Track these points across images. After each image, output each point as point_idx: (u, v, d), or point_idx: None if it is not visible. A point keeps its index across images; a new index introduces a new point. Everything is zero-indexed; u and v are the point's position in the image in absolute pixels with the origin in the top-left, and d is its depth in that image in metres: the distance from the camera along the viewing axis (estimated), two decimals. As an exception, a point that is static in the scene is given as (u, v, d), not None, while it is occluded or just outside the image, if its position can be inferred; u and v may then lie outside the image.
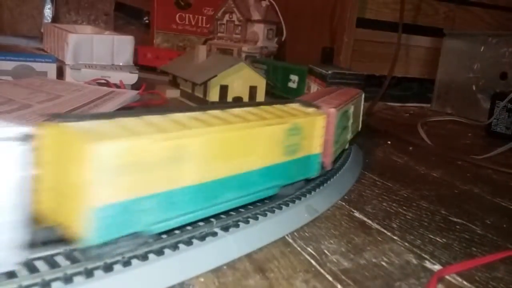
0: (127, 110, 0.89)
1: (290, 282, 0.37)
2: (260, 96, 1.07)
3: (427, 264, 0.42)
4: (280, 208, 0.47)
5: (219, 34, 1.47)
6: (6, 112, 0.72)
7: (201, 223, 0.41)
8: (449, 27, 1.45)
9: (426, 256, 0.44)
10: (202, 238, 0.38)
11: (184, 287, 0.34)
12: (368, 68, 1.44)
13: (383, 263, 0.42)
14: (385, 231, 0.49)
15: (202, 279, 0.36)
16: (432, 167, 0.77)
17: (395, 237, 0.47)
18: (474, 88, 1.32)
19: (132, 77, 1.16)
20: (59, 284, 0.30)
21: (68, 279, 0.30)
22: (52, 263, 0.31)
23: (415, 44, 1.51)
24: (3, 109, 0.74)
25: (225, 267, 0.38)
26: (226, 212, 0.43)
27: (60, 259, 0.32)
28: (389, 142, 0.91)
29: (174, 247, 0.36)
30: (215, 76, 1.01)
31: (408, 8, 1.38)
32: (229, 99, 1.03)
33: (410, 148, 0.89)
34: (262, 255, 0.41)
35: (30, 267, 0.30)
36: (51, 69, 1.09)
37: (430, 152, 0.88)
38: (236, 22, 1.42)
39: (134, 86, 1.13)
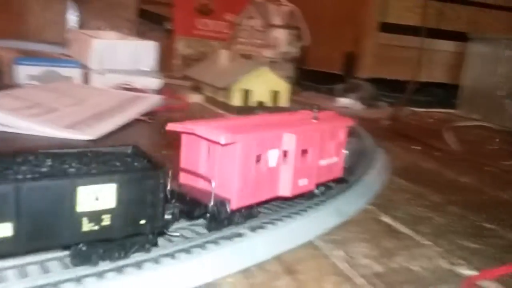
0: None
1: (321, 285, 0.36)
2: (283, 100, 1.07)
3: (459, 269, 0.41)
4: (308, 211, 0.46)
5: (240, 40, 1.48)
6: (34, 115, 0.73)
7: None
8: (472, 31, 1.43)
9: (458, 261, 0.43)
10: (230, 238, 0.38)
11: (213, 287, 0.34)
12: (391, 73, 1.43)
13: (415, 268, 0.41)
14: (415, 236, 0.48)
15: (230, 280, 0.35)
16: (460, 173, 0.75)
17: (426, 242, 0.46)
18: (500, 93, 1.29)
19: (155, 82, 1.17)
20: (92, 279, 0.30)
21: (100, 275, 0.30)
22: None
23: (438, 49, 1.49)
24: (32, 113, 0.75)
25: (253, 268, 0.38)
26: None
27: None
28: (415, 148, 0.90)
29: (202, 246, 0.36)
30: (238, 80, 1.01)
31: (431, 12, 1.37)
32: (252, 103, 1.03)
33: (437, 153, 0.88)
34: (290, 257, 0.40)
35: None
36: (76, 74, 1.11)
37: (458, 158, 0.87)
38: (258, 28, 1.42)
39: (158, 91, 1.14)
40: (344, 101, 1.37)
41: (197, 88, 1.21)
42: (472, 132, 1.18)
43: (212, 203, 0.37)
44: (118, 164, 0.33)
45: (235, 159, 0.38)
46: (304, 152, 0.44)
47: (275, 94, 1.06)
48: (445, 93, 1.55)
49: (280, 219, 0.43)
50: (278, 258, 0.40)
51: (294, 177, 0.43)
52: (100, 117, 0.80)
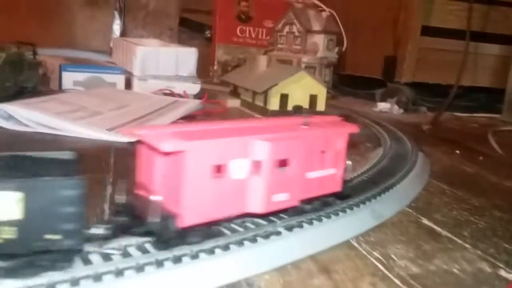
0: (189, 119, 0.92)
1: (357, 284, 0.36)
2: (321, 105, 1.06)
3: (502, 273, 0.40)
4: (345, 212, 0.46)
5: (279, 46, 1.49)
6: (80, 118, 0.76)
7: (264, 222, 0.41)
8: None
9: (500, 264, 0.41)
10: (267, 236, 0.39)
11: (249, 282, 0.35)
12: (433, 77, 1.40)
13: (455, 270, 0.40)
14: (456, 239, 0.46)
15: (267, 277, 0.36)
16: (505, 177, 0.73)
17: (466, 245, 0.45)
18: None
19: (195, 87, 1.20)
20: (131, 272, 0.31)
21: (140, 269, 0.31)
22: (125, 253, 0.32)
23: (483, 52, 1.44)
24: (77, 116, 0.78)
25: (289, 266, 0.38)
26: (288, 213, 0.42)
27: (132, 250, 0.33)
28: (457, 152, 0.88)
29: (240, 243, 0.36)
30: (276, 84, 1.02)
31: (476, 15, 1.33)
32: (289, 107, 1.04)
33: (480, 157, 0.85)
34: (326, 257, 0.40)
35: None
36: (119, 80, 1.15)
37: (502, 162, 0.84)
38: (296, 34, 1.42)
39: (197, 96, 1.16)
40: (383, 106, 1.35)
41: (235, 93, 1.22)
42: (518, 137, 1.14)
43: (154, 219, 0.32)
44: (33, 170, 0.29)
45: (184, 169, 0.32)
46: (285, 162, 0.38)
47: (312, 99, 1.06)
48: (489, 98, 1.50)
49: (316, 219, 0.43)
50: (313, 257, 0.40)
51: (267, 191, 0.37)
52: (141, 121, 0.82)
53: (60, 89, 1.08)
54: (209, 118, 0.97)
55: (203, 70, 1.43)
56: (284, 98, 1.03)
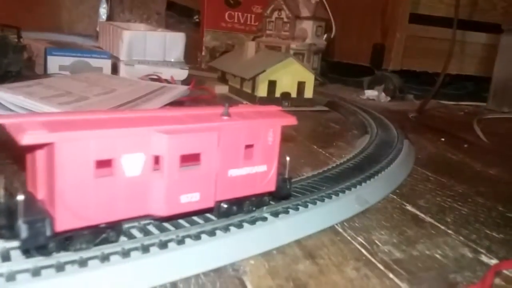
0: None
1: (341, 269, 0.36)
2: (309, 91, 1.06)
3: (483, 258, 0.41)
4: (330, 198, 0.46)
5: (267, 32, 1.48)
6: (65, 103, 0.76)
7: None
8: (507, 23, 1.39)
9: (482, 250, 0.42)
10: (253, 222, 0.39)
11: (235, 268, 0.35)
12: (420, 65, 1.41)
13: (437, 256, 0.40)
14: (439, 225, 0.47)
15: (252, 262, 0.36)
16: (489, 165, 0.74)
17: (449, 231, 0.46)
18: (534, 86, 1.26)
19: (182, 73, 1.19)
20: (117, 257, 0.31)
21: (126, 254, 0.31)
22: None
23: (470, 41, 1.45)
24: (63, 101, 0.77)
25: (274, 251, 0.38)
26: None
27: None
28: (442, 139, 0.89)
29: (226, 229, 0.37)
30: (264, 71, 1.01)
31: (463, 3, 1.33)
32: (277, 94, 1.04)
33: (465, 145, 0.86)
34: (311, 242, 0.40)
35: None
36: (106, 64, 1.13)
37: (486, 150, 0.85)
38: (285, 19, 1.42)
39: (184, 82, 1.15)
40: (370, 93, 1.35)
41: (223, 79, 1.22)
42: (502, 126, 1.15)
43: (21, 221, 0.27)
44: None
45: (55, 165, 0.27)
46: (196, 158, 0.33)
47: (301, 85, 1.06)
48: (475, 86, 1.51)
49: (302, 205, 0.43)
50: (299, 243, 0.40)
51: (171, 191, 0.32)
52: (127, 106, 0.81)
53: (45, 74, 1.06)
54: (196, 104, 0.96)
55: (191, 55, 1.42)
56: (272, 84, 1.03)
